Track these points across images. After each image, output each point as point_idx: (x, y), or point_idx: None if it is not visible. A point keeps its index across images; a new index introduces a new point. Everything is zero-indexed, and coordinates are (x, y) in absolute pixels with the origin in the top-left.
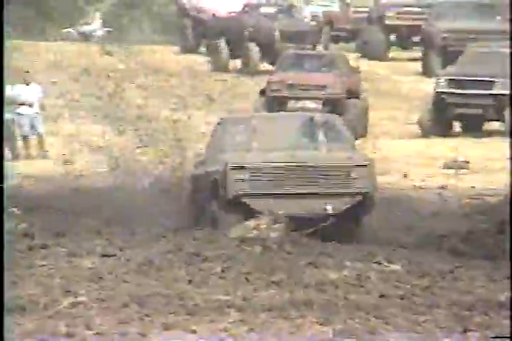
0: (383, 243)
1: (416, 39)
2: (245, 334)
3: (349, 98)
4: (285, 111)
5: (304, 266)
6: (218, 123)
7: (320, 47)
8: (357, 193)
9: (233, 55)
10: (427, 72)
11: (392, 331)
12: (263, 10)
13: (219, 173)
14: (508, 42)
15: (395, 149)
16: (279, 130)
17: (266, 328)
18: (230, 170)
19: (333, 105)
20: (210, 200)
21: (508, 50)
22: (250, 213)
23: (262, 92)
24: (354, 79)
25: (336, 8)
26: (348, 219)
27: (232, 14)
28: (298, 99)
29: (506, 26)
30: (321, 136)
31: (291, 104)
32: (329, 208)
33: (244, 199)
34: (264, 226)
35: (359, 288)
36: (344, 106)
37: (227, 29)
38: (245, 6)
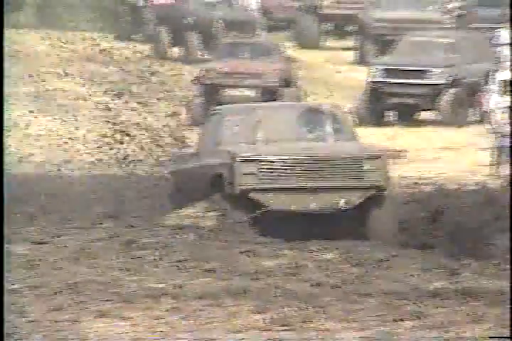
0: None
1: (351, 28)
2: (180, 322)
3: (284, 86)
4: (222, 99)
5: (240, 254)
6: (213, 114)
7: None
8: (370, 186)
9: (174, 43)
10: (361, 61)
11: (327, 320)
12: None
13: (224, 166)
14: (441, 32)
15: None
16: (281, 120)
17: (199, 316)
18: (239, 163)
19: (268, 93)
20: (210, 195)
21: (442, 40)
22: (259, 208)
23: (197, 80)
24: (289, 68)
25: None
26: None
27: (172, 2)
28: (235, 87)
29: (438, 16)
30: (327, 127)
31: (227, 92)
32: (342, 202)
33: (253, 195)
34: (200, 214)
35: (295, 277)
36: (279, 94)
37: (168, 17)
38: None
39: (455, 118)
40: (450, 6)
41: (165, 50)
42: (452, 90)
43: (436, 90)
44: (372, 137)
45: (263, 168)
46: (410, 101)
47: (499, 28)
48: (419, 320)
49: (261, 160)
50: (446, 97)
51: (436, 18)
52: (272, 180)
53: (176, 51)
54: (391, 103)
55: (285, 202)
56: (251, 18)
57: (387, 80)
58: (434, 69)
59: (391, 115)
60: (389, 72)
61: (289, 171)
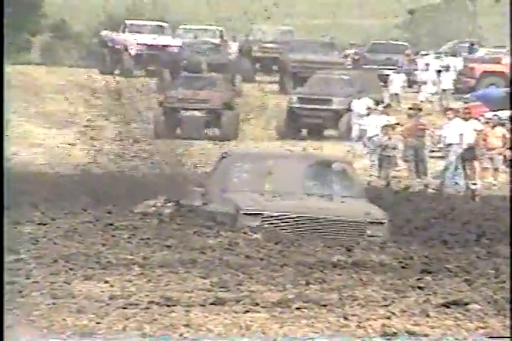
0: None
1: (275, 67)
2: (145, 285)
3: (226, 109)
4: (178, 118)
5: (190, 234)
6: (223, 157)
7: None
8: None
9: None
10: (282, 91)
11: (255, 283)
12: (197, 46)
13: (228, 216)
14: (341, 71)
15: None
16: (291, 172)
17: (160, 280)
18: (243, 215)
19: (213, 114)
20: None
21: (342, 77)
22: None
23: (160, 104)
24: (229, 95)
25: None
26: None
27: (173, 49)
28: (187, 109)
29: (339, 59)
30: (335, 184)
31: (182, 113)
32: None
33: None
34: (160, 204)
35: (230, 251)
36: (221, 115)
37: (171, 60)
38: (183, 43)
39: (349, 134)
40: (348, 51)
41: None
42: (348, 114)
43: (337, 114)
44: (289, 147)
45: (265, 223)
46: (318, 121)
47: (389, 71)
48: (324, 284)
49: (264, 215)
50: (344, 119)
51: (338, 61)
52: (272, 235)
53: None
54: (304, 122)
55: None
56: (230, 61)
57: (301, 106)
58: (335, 99)
59: (304, 131)
60: (303, 99)
61: (291, 229)
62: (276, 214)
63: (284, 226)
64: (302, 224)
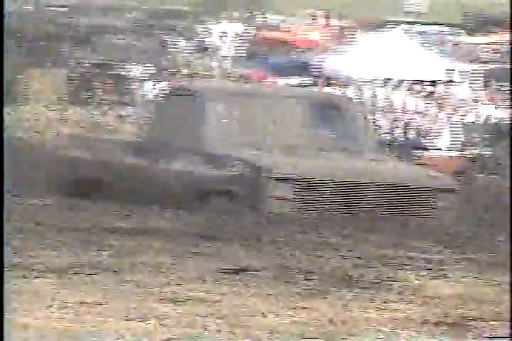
0: None
1: (66, 33)
2: None
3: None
4: None
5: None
6: (171, 94)
7: None
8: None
9: None
10: None
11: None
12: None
13: (238, 182)
14: (125, 36)
15: None
16: (290, 117)
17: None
18: (274, 182)
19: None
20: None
21: (127, 41)
22: None
23: None
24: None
25: None
26: None
27: None
28: None
29: (125, 24)
30: (357, 133)
31: None
32: None
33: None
34: None
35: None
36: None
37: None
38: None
39: (132, 99)
40: (128, 15)
41: None
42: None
43: (120, 79)
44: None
45: (302, 192)
46: (102, 86)
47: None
48: (101, 250)
49: (300, 181)
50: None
51: (123, 26)
52: (314, 208)
53: None
54: (89, 87)
55: None
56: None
57: (87, 71)
58: (118, 64)
59: (89, 96)
60: (88, 65)
61: (339, 199)
62: (317, 178)
63: (328, 195)
64: (356, 191)
